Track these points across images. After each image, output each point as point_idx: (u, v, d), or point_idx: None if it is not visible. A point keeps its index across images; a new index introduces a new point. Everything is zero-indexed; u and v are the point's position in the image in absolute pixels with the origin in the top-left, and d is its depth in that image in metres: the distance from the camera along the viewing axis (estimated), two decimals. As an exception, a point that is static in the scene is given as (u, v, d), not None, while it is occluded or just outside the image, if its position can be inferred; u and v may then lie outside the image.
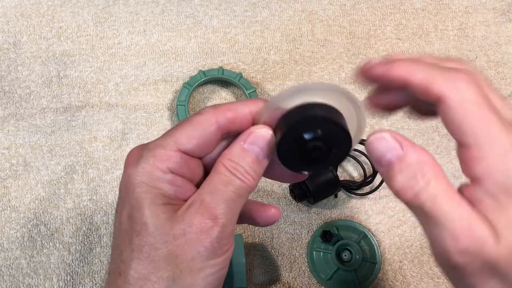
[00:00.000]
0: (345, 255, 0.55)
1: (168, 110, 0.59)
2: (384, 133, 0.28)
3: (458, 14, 0.66)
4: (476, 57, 0.64)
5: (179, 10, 0.62)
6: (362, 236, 0.56)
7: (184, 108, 0.58)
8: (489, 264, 0.25)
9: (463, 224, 0.25)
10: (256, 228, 0.56)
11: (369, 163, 0.57)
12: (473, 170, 0.26)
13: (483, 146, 0.26)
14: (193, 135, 0.29)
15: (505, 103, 0.28)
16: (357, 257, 0.55)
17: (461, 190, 0.27)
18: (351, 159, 0.58)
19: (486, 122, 0.26)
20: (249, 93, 0.59)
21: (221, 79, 0.60)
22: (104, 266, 0.52)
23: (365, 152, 0.56)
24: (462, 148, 0.27)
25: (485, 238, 0.25)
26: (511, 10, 0.66)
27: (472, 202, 0.26)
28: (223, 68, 0.60)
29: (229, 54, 0.62)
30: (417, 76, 0.27)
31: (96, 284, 0.52)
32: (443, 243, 0.26)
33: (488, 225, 0.25)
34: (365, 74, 0.30)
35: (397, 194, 0.27)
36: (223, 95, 0.61)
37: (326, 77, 0.62)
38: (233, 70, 0.61)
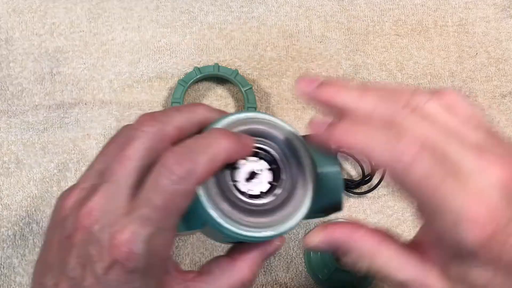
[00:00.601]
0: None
1: (163, 107, 0.59)
2: (311, 237, 0.32)
3: (458, 9, 0.65)
4: (477, 54, 0.64)
5: (174, 5, 0.62)
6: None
7: (179, 105, 0.57)
8: None
9: (414, 278, 0.29)
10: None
11: (367, 161, 0.57)
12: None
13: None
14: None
15: (469, 123, 0.28)
16: (355, 257, 0.54)
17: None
18: (349, 157, 0.57)
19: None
20: (245, 90, 0.58)
21: (217, 76, 0.59)
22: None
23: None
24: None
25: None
26: (511, 6, 0.66)
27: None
28: (219, 64, 0.59)
29: (225, 50, 0.61)
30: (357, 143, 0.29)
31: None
32: None
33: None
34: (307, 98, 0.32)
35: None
36: (219, 92, 0.60)
37: (324, 73, 0.61)
38: (229, 67, 0.60)
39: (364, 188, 0.56)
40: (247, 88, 0.58)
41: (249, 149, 0.30)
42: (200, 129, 0.30)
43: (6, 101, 0.57)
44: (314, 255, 0.55)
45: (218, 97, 0.60)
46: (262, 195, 0.30)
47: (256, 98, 0.59)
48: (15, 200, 0.54)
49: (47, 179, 0.55)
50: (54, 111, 0.57)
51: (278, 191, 0.31)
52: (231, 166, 0.30)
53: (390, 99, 0.28)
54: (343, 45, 0.63)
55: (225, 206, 0.29)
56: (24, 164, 0.55)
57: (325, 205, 0.33)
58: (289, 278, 0.54)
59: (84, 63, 0.59)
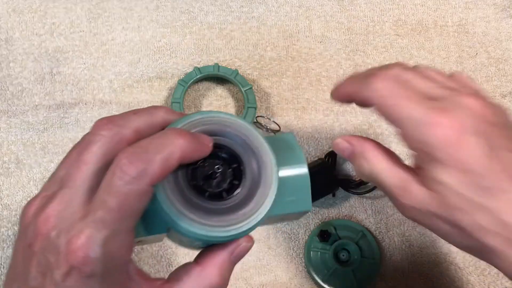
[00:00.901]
0: (343, 255, 0.54)
1: (163, 107, 0.58)
2: (338, 139, 0.38)
3: (458, 9, 0.65)
4: (477, 54, 0.64)
5: (174, 5, 0.62)
6: (361, 235, 0.55)
7: (179, 105, 0.57)
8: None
9: (399, 184, 0.34)
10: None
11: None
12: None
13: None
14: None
15: (422, 78, 0.35)
16: (355, 257, 0.54)
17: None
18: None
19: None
20: (245, 90, 0.58)
21: (217, 76, 0.59)
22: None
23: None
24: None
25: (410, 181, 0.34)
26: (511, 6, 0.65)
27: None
28: (219, 64, 0.59)
29: (225, 50, 0.61)
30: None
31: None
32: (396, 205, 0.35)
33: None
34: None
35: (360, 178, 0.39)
36: (219, 92, 0.60)
37: (324, 74, 0.61)
38: (229, 67, 0.60)
39: (364, 188, 0.56)
40: (247, 88, 0.58)
41: (207, 148, 0.29)
42: (160, 130, 0.30)
43: (6, 101, 0.57)
44: (314, 255, 0.54)
45: (218, 97, 0.60)
46: (222, 194, 0.30)
47: (256, 98, 0.59)
48: (15, 200, 0.54)
49: (47, 179, 0.55)
50: (54, 111, 0.57)
51: (238, 190, 0.31)
52: (191, 165, 0.30)
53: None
54: (343, 45, 0.63)
55: (184, 206, 0.28)
56: (24, 164, 0.55)
57: (292, 205, 0.34)
58: (289, 278, 0.54)
59: (84, 63, 0.59)
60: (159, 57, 0.60)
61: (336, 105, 0.59)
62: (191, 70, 0.59)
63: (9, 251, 0.52)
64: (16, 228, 0.53)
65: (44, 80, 0.58)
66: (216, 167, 0.30)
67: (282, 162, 0.32)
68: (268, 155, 0.31)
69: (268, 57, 0.61)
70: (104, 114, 0.57)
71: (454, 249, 0.55)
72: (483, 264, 0.55)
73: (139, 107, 0.57)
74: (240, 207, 0.30)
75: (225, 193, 0.31)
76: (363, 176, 0.37)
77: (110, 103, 0.58)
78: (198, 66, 0.59)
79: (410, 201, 0.34)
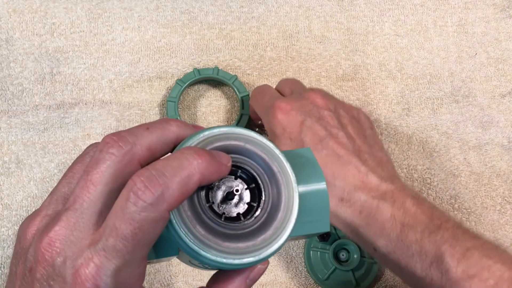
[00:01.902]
0: (343, 255, 0.54)
1: (163, 107, 0.59)
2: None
3: (457, 10, 0.65)
4: (476, 54, 0.64)
5: (174, 6, 0.62)
6: None
7: (174, 104, 0.57)
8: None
9: None
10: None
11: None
12: None
13: None
14: None
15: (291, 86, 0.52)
16: (355, 256, 0.54)
17: None
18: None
19: None
20: (241, 97, 0.58)
21: (215, 79, 0.59)
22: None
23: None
24: None
25: None
26: (511, 6, 0.65)
27: None
28: (219, 68, 0.59)
29: (224, 50, 0.61)
30: None
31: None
32: None
33: None
34: None
35: None
36: (218, 94, 0.60)
37: (324, 74, 0.61)
38: (229, 67, 0.60)
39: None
40: (244, 94, 0.58)
41: (225, 168, 0.27)
42: (173, 147, 0.28)
43: (7, 101, 0.57)
44: (314, 254, 0.54)
45: (217, 98, 0.60)
46: (240, 217, 0.28)
47: (256, 98, 0.59)
48: (16, 200, 0.54)
49: (48, 179, 0.55)
50: (55, 111, 0.57)
51: (257, 212, 0.28)
52: (206, 186, 0.27)
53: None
54: (343, 45, 0.63)
55: (200, 231, 0.26)
56: (25, 164, 0.55)
57: (310, 226, 0.31)
58: (289, 278, 0.54)
59: (84, 63, 0.59)
60: (159, 57, 0.60)
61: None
62: (191, 70, 0.59)
63: (9, 251, 0.52)
64: (16, 228, 0.53)
65: (45, 80, 0.58)
66: (234, 188, 0.28)
67: (301, 179, 0.29)
68: (289, 175, 0.28)
69: (268, 57, 0.61)
70: (104, 114, 0.57)
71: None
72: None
73: (139, 107, 0.58)
74: (258, 232, 0.27)
75: (243, 215, 0.28)
76: None
77: (110, 103, 0.58)
78: (198, 66, 0.59)
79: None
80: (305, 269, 0.54)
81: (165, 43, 0.61)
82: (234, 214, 0.28)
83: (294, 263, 0.55)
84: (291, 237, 0.29)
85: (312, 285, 0.54)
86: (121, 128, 0.57)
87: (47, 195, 0.54)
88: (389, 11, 0.65)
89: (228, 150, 0.28)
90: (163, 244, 0.27)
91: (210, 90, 0.60)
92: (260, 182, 0.28)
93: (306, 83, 0.61)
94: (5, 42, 0.58)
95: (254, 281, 0.29)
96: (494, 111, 0.62)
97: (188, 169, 0.24)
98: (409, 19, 0.65)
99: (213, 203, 0.27)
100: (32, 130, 0.56)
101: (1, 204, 0.54)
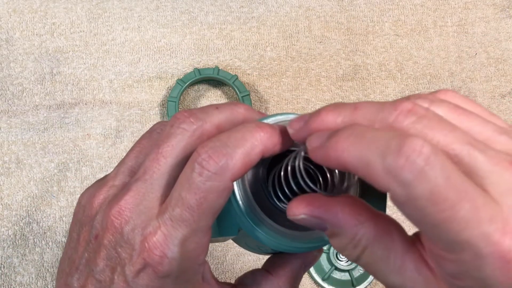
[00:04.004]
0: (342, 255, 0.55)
1: (163, 107, 0.59)
2: (293, 208, 0.24)
3: (457, 10, 0.65)
4: (476, 54, 0.64)
5: (174, 6, 0.62)
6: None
7: (174, 104, 0.57)
8: None
9: None
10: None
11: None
12: None
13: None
14: None
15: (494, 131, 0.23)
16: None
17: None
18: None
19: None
20: (242, 96, 0.58)
21: (216, 79, 0.59)
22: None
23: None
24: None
25: None
26: (511, 6, 0.65)
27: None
28: (219, 68, 0.59)
29: (224, 50, 0.61)
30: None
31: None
32: None
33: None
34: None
35: None
36: (218, 94, 0.60)
37: (324, 74, 0.61)
38: (229, 67, 0.60)
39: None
40: (244, 94, 0.58)
41: (289, 141, 0.26)
42: None
43: (7, 101, 0.57)
44: (313, 254, 0.55)
45: (218, 98, 0.60)
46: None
47: (256, 98, 0.59)
48: (16, 199, 0.54)
49: (48, 179, 0.55)
50: (55, 111, 0.57)
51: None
52: (269, 163, 0.27)
53: (389, 106, 0.22)
54: (343, 45, 0.63)
55: (265, 211, 0.26)
56: (25, 164, 0.55)
57: None
58: (288, 278, 0.54)
59: (84, 63, 0.59)
60: (159, 57, 0.60)
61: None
62: (191, 70, 0.59)
63: (9, 251, 0.52)
64: (16, 227, 0.53)
65: (45, 80, 0.58)
66: (298, 163, 0.25)
67: None
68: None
69: (268, 57, 0.61)
70: (104, 114, 0.57)
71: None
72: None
73: (139, 107, 0.58)
74: None
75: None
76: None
77: (110, 103, 0.58)
78: (198, 66, 0.59)
79: None
80: (305, 269, 0.55)
81: (165, 43, 0.61)
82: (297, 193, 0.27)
83: (294, 263, 0.55)
84: None
85: (312, 285, 0.54)
86: (121, 128, 0.57)
87: (47, 195, 0.54)
88: (389, 11, 0.65)
89: None
90: (225, 222, 0.27)
91: (210, 90, 0.60)
92: (325, 169, 0.27)
93: (306, 83, 0.61)
94: (5, 42, 0.58)
95: (309, 267, 0.29)
96: (494, 111, 0.62)
97: (251, 140, 0.24)
98: (409, 19, 0.64)
99: (278, 182, 0.27)
100: (32, 130, 0.56)
101: (1, 204, 0.54)
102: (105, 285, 0.25)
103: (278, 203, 0.27)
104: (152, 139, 0.28)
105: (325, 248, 0.54)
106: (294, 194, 0.26)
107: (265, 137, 0.25)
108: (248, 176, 0.27)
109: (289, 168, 0.26)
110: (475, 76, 0.63)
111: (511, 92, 0.63)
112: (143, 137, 0.28)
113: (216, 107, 0.27)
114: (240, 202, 0.26)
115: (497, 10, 0.66)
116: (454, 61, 0.63)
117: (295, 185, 0.26)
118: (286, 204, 0.26)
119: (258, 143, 0.25)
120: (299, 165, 0.25)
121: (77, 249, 0.27)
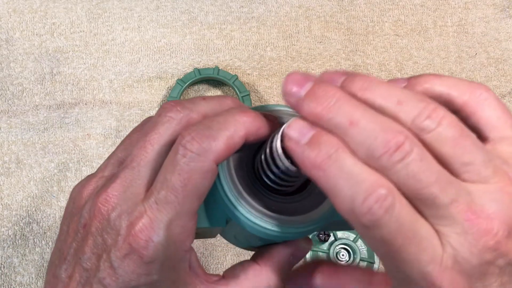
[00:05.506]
0: (343, 255, 0.55)
1: (163, 107, 0.59)
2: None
3: (457, 10, 0.65)
4: (476, 54, 0.64)
5: (174, 6, 0.62)
6: (360, 236, 0.55)
7: (206, 96, 0.57)
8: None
9: None
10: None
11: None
12: None
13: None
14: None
15: None
16: (355, 256, 0.54)
17: None
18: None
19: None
20: (242, 96, 0.58)
21: (216, 79, 0.59)
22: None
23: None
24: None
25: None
26: (511, 6, 0.65)
27: None
28: (219, 68, 0.59)
29: (224, 50, 0.61)
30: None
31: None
32: None
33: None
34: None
35: None
36: (218, 94, 0.60)
37: (324, 74, 0.61)
38: (229, 67, 0.60)
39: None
40: (244, 94, 0.58)
41: (272, 125, 0.26)
42: None
43: (7, 101, 0.57)
44: (313, 255, 0.55)
45: (218, 97, 0.60)
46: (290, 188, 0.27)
47: (256, 98, 0.59)
48: (16, 200, 0.54)
49: (48, 179, 0.55)
50: (55, 111, 0.57)
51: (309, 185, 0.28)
52: (254, 150, 0.27)
53: (382, 138, 0.21)
54: (343, 46, 0.63)
55: (250, 196, 0.26)
56: (25, 164, 0.55)
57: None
58: (288, 278, 0.54)
59: (84, 63, 0.59)
60: (159, 57, 0.60)
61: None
62: (191, 70, 0.59)
63: (9, 251, 0.52)
64: (16, 227, 0.53)
65: (45, 80, 0.58)
66: (275, 144, 0.25)
67: None
68: None
69: (268, 57, 0.61)
70: (104, 114, 0.57)
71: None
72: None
73: (139, 107, 0.58)
74: (312, 205, 0.27)
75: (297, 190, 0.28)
76: None
77: (110, 103, 0.58)
78: (198, 66, 0.59)
79: None
80: (305, 269, 0.55)
81: (165, 43, 0.61)
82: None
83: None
84: (333, 220, 0.28)
85: (311, 285, 0.55)
86: (121, 128, 0.57)
87: (47, 195, 0.54)
88: (389, 11, 0.65)
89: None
90: (212, 212, 0.28)
91: (210, 90, 0.60)
92: None
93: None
94: (5, 42, 0.58)
95: (298, 260, 0.29)
96: (494, 111, 0.62)
97: (234, 123, 0.25)
98: (409, 19, 0.65)
99: (262, 168, 0.27)
100: (32, 130, 0.56)
101: (1, 204, 0.54)
102: (92, 273, 0.25)
103: (263, 187, 0.27)
104: (142, 130, 0.28)
105: (325, 248, 0.54)
106: (276, 176, 0.26)
107: (248, 121, 0.25)
108: (235, 161, 0.27)
109: (267, 150, 0.26)
110: (475, 76, 0.63)
111: (511, 92, 0.63)
112: (133, 130, 0.29)
113: (203, 98, 0.28)
114: (225, 187, 0.26)
115: (497, 10, 0.66)
116: (454, 61, 0.63)
117: (274, 166, 0.26)
118: (271, 186, 0.27)
119: (241, 126, 0.25)
120: (276, 145, 0.25)
121: (66, 240, 0.27)
